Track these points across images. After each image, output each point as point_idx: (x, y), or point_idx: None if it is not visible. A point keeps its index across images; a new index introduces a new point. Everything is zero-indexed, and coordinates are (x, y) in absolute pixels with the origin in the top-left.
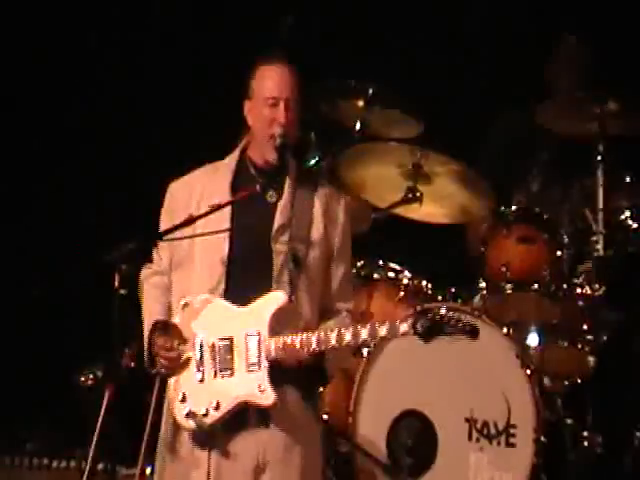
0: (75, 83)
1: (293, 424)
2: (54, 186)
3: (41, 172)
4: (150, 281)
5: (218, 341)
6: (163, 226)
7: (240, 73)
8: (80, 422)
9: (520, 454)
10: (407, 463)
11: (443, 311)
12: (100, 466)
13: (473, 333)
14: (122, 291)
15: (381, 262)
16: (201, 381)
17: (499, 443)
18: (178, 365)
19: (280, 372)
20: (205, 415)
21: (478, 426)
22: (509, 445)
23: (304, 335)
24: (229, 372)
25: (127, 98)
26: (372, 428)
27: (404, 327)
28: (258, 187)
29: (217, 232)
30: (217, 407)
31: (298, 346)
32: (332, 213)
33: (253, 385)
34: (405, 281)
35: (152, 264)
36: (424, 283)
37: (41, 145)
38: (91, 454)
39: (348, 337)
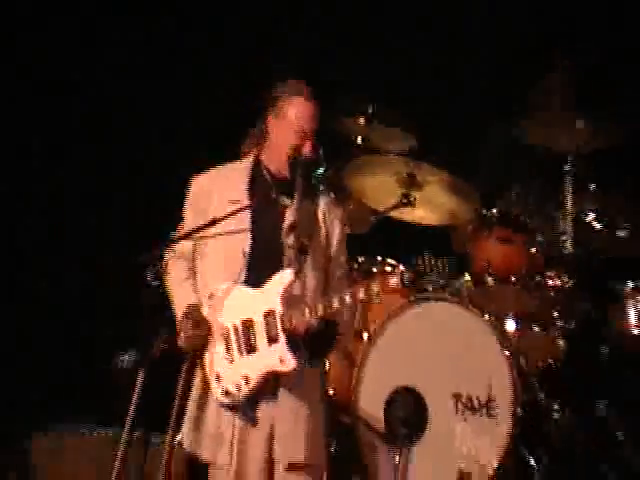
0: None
1: (303, 388)
2: (99, 187)
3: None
4: (176, 266)
5: (240, 324)
6: (187, 218)
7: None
8: (120, 398)
9: (499, 424)
10: (402, 432)
11: (420, 262)
12: (136, 434)
13: (450, 268)
14: (155, 283)
15: (379, 258)
16: (230, 361)
17: (481, 415)
18: (204, 345)
19: (295, 341)
20: (238, 390)
21: (463, 400)
22: (490, 417)
23: (311, 303)
24: (253, 349)
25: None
26: (371, 402)
27: (394, 280)
28: (274, 195)
29: (239, 231)
30: (247, 382)
31: (307, 314)
32: (332, 218)
33: (275, 357)
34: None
35: (175, 248)
36: (388, 269)
37: (79, 145)
38: (127, 424)
39: (348, 298)
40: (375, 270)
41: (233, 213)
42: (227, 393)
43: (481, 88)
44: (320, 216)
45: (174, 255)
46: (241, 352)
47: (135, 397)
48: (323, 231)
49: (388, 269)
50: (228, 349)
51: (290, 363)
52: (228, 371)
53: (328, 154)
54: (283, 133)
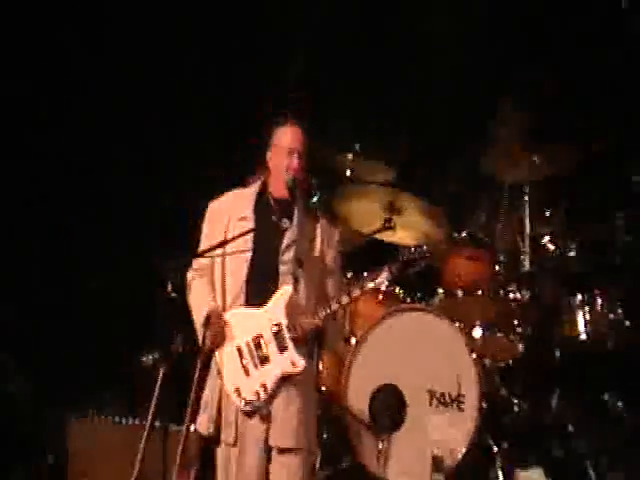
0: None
1: (296, 381)
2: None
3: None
4: (197, 279)
5: (251, 340)
6: (205, 240)
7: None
8: (143, 391)
9: (467, 416)
10: (384, 423)
11: (406, 251)
12: (157, 423)
13: (430, 254)
14: (173, 295)
15: (365, 274)
16: (247, 375)
17: (452, 408)
18: (222, 344)
19: (300, 342)
20: (258, 398)
21: (437, 396)
22: (459, 410)
23: (313, 310)
24: (266, 361)
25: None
26: (358, 397)
27: (384, 274)
28: (275, 218)
29: (243, 251)
30: (265, 389)
31: (310, 320)
32: (328, 239)
33: (287, 362)
34: (383, 288)
35: (196, 264)
36: (397, 289)
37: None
38: (150, 415)
39: (345, 299)
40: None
41: (240, 235)
42: (248, 403)
43: (446, 131)
44: (318, 233)
45: (196, 273)
46: (255, 365)
47: (156, 391)
48: (319, 247)
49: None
50: (243, 365)
51: (300, 364)
52: (246, 383)
53: (322, 184)
54: (278, 158)
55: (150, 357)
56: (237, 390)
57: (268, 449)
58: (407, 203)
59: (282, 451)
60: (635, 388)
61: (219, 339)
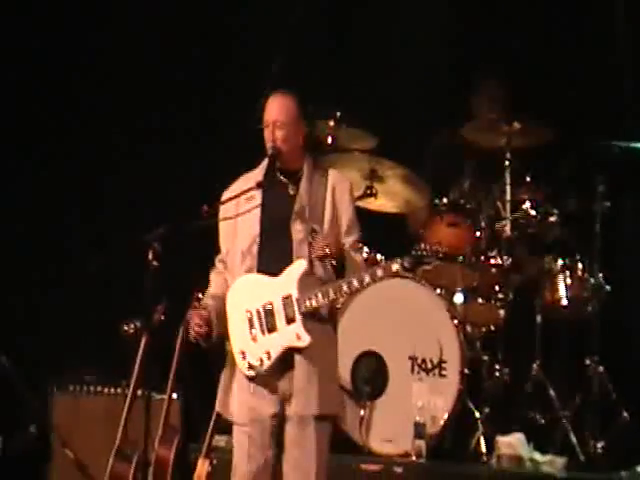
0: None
1: (315, 351)
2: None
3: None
4: (213, 273)
5: (262, 307)
6: (221, 240)
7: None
8: (125, 360)
9: (449, 383)
10: (366, 390)
11: (421, 246)
12: (139, 393)
13: (445, 256)
14: (154, 263)
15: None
16: (254, 340)
17: (434, 375)
18: (207, 338)
19: (309, 316)
20: (261, 365)
21: (418, 362)
22: (441, 376)
23: (324, 288)
24: (273, 329)
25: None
26: (340, 364)
27: (395, 266)
28: (282, 186)
29: (252, 217)
30: (269, 357)
31: (320, 297)
32: (339, 195)
33: (292, 335)
34: (364, 255)
35: (217, 260)
36: (379, 257)
37: (89, 136)
38: (132, 384)
39: (356, 283)
40: None
41: (246, 191)
42: (251, 367)
43: (430, 97)
44: (329, 198)
45: (216, 268)
46: (263, 331)
47: (138, 360)
48: (332, 211)
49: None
50: (252, 330)
51: (305, 339)
52: (252, 348)
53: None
54: (265, 132)
55: (132, 326)
56: (242, 353)
57: (283, 417)
58: (388, 170)
59: (303, 418)
60: (616, 353)
61: (201, 331)
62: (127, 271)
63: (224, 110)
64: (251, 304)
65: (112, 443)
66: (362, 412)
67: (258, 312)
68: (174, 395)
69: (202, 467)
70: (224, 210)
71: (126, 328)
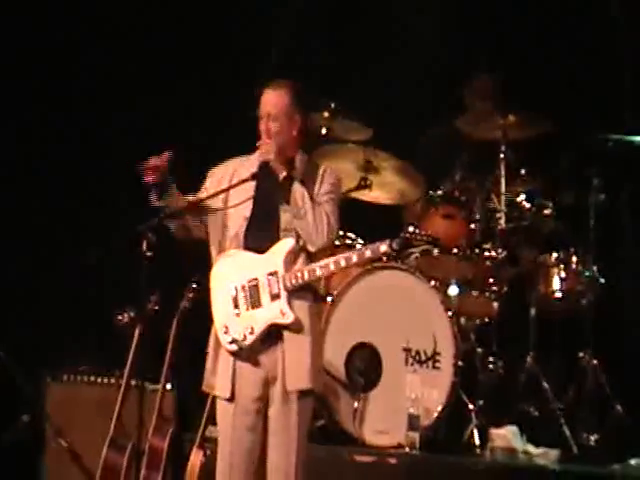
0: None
1: (305, 327)
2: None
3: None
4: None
5: (247, 283)
6: (206, 190)
7: None
8: (119, 350)
9: (443, 374)
10: (360, 382)
11: (410, 230)
12: (133, 383)
13: (435, 242)
14: (148, 253)
15: (341, 232)
16: (237, 315)
17: (428, 366)
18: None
19: (294, 293)
20: (244, 339)
21: (412, 354)
22: (435, 368)
23: (310, 267)
24: (258, 304)
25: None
26: (334, 356)
27: (383, 247)
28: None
29: (245, 201)
30: (252, 332)
31: (306, 275)
32: (325, 183)
33: (277, 311)
34: (358, 246)
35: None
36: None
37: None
38: (126, 374)
39: (343, 262)
40: (338, 243)
41: (241, 182)
42: (234, 341)
43: (425, 88)
44: (318, 184)
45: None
46: (247, 307)
47: (132, 350)
48: (316, 191)
49: (348, 242)
50: (236, 305)
51: (290, 316)
52: (235, 323)
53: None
54: (260, 125)
55: (126, 316)
56: (225, 327)
57: (266, 399)
58: (383, 162)
59: (287, 396)
60: (610, 345)
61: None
62: (121, 261)
63: (220, 101)
64: (236, 280)
65: (106, 433)
66: (356, 404)
67: (243, 287)
68: (168, 385)
69: (196, 457)
70: (217, 174)
71: (120, 318)
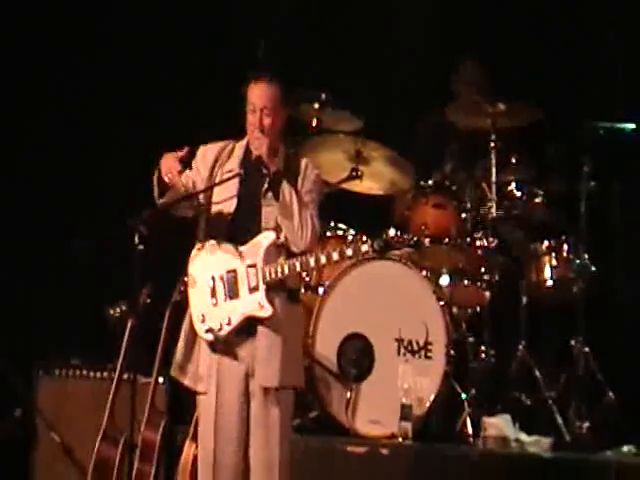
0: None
1: (279, 324)
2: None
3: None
4: None
5: (226, 273)
6: (193, 172)
7: None
8: (111, 343)
9: (435, 364)
10: (352, 372)
11: (392, 233)
12: (125, 376)
13: (417, 245)
14: (140, 247)
15: (332, 223)
16: (215, 305)
17: (420, 356)
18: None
19: (273, 288)
20: (220, 329)
21: (405, 344)
22: (427, 358)
23: (290, 261)
24: (236, 295)
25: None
26: (326, 347)
27: (365, 247)
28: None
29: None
30: (229, 322)
31: (286, 269)
32: (307, 180)
33: (254, 303)
34: (350, 237)
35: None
36: (364, 238)
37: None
38: (118, 367)
39: (323, 259)
40: (329, 234)
41: (227, 180)
42: (210, 330)
43: (416, 78)
44: (299, 181)
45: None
46: (225, 298)
47: (124, 344)
48: (299, 186)
49: (339, 232)
50: (214, 294)
51: (267, 309)
52: (212, 313)
53: (287, 134)
54: (249, 116)
55: (118, 309)
56: (202, 316)
57: (247, 398)
58: (374, 152)
59: (266, 391)
60: (601, 333)
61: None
62: (113, 254)
63: (210, 93)
64: (215, 269)
65: (98, 427)
66: (348, 394)
67: (222, 278)
68: (160, 378)
69: (189, 450)
70: (202, 158)
71: (112, 311)
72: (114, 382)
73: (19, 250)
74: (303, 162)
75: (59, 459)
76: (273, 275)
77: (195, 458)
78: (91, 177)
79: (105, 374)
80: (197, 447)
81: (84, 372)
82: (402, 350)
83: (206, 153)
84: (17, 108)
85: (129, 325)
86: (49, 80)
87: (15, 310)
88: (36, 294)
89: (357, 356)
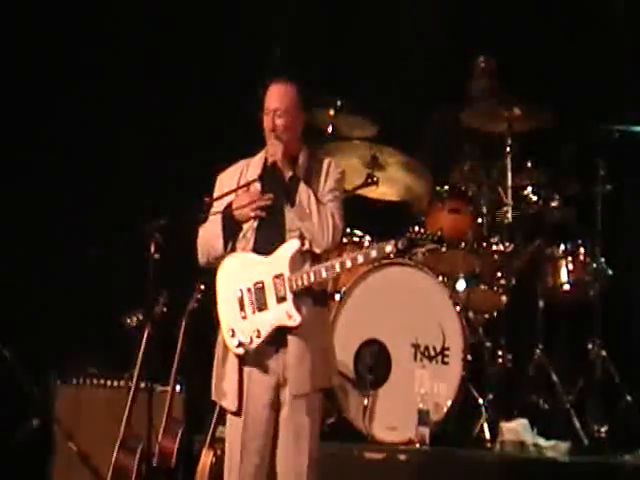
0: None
1: (307, 330)
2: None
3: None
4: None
5: (253, 286)
6: (215, 209)
7: None
8: (127, 352)
9: (452, 369)
10: (369, 379)
11: (415, 229)
12: (142, 385)
13: (439, 241)
14: (156, 255)
15: (348, 230)
16: (244, 318)
17: (437, 362)
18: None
19: (299, 295)
20: (250, 343)
21: (421, 349)
22: (444, 363)
23: (316, 268)
24: (264, 307)
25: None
26: (343, 353)
27: (389, 247)
28: (281, 176)
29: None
30: (258, 335)
31: (312, 276)
32: (330, 178)
33: (283, 313)
34: (366, 243)
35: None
36: (367, 241)
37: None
38: (135, 376)
39: (349, 263)
40: (345, 240)
41: (241, 187)
42: (240, 344)
43: (431, 83)
44: (322, 180)
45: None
46: (253, 310)
47: (141, 352)
48: (321, 186)
49: (355, 239)
50: (242, 308)
51: (296, 318)
52: (242, 326)
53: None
54: (265, 120)
55: (134, 318)
56: (232, 331)
57: (277, 412)
58: (389, 158)
59: (297, 396)
60: (618, 336)
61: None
62: (129, 263)
63: (224, 99)
64: (242, 282)
65: (115, 435)
66: (365, 400)
67: (249, 290)
68: (177, 387)
69: (206, 458)
70: (222, 201)
71: (128, 320)
72: (131, 391)
73: (36, 259)
74: (326, 161)
75: (76, 467)
76: (300, 283)
77: (212, 465)
78: (108, 187)
79: (122, 383)
80: (215, 454)
81: (101, 381)
82: (419, 356)
83: (223, 179)
84: (35, 112)
85: (145, 334)
86: (66, 82)
87: (32, 319)
88: (53, 303)
89: (374, 362)
